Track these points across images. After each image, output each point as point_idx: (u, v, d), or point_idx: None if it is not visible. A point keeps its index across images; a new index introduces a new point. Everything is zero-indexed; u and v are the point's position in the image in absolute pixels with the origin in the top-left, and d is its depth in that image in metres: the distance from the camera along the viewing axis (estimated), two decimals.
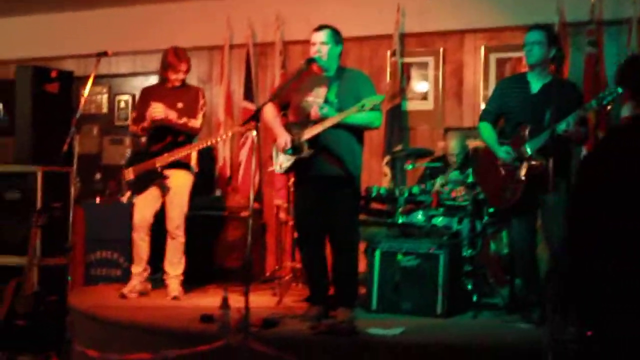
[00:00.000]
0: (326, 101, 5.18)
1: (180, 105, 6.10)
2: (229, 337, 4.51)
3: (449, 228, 6.11)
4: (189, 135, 6.16)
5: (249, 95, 7.98)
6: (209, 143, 6.09)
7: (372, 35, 7.65)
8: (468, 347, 4.49)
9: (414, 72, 7.52)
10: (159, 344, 4.78)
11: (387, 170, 7.33)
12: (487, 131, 5.24)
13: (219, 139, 6.40)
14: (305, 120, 5.21)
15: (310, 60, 5.22)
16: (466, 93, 7.37)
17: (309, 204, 5.29)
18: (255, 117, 4.68)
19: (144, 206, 6.17)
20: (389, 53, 7.54)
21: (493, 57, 7.22)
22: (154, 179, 6.09)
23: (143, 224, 6.18)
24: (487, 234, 6.09)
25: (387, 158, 7.34)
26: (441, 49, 7.46)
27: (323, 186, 5.20)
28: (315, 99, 5.24)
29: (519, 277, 5.29)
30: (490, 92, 7.03)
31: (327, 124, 5.05)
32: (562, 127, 4.76)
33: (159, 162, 6.01)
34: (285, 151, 5.22)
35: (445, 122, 7.37)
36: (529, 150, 4.95)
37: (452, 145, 6.58)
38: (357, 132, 5.29)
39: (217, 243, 7.43)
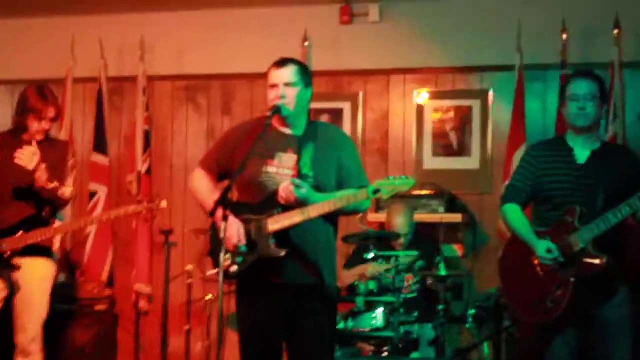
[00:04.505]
0: (299, 175, 3.48)
1: (42, 165, 4.42)
2: None
3: (409, 333, 4.71)
4: (54, 208, 4.65)
5: (100, 145, 6.19)
6: (87, 223, 4.97)
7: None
8: None
9: (326, 120, 6.01)
10: None
11: None
12: (517, 216, 3.85)
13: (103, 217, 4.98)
14: (268, 203, 3.50)
15: (275, 111, 3.51)
16: (393, 149, 6.05)
17: (267, 320, 3.62)
18: (223, 200, 2.88)
19: None
20: None
21: (429, 106, 5.91)
22: None
23: None
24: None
25: None
26: (361, 93, 6.11)
27: (290, 297, 3.57)
28: (281, 171, 3.55)
29: None
30: (425, 146, 5.79)
31: (307, 214, 3.43)
32: (627, 210, 3.56)
33: (9, 244, 4.44)
34: (237, 248, 3.47)
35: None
36: (580, 242, 3.62)
37: (398, 222, 5.38)
38: (334, 220, 3.70)
39: (63, 348, 5.70)
